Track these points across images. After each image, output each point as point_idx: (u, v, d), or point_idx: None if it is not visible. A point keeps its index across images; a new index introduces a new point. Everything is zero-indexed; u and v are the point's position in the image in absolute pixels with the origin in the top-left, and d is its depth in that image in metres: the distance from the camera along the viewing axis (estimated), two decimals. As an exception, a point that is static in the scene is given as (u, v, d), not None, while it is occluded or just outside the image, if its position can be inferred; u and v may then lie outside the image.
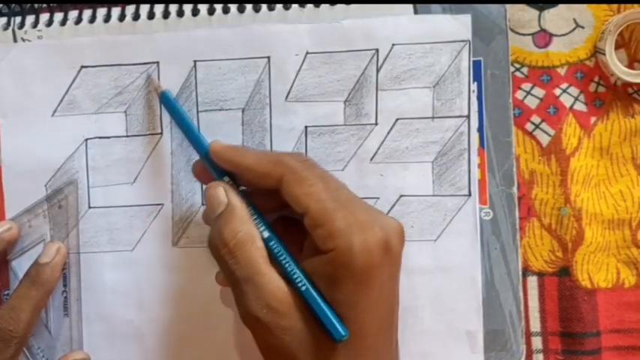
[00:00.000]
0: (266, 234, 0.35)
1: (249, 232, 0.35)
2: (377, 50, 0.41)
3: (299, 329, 0.33)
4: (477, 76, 0.41)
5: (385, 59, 0.41)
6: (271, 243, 0.35)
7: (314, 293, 0.33)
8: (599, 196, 0.42)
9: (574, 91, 0.42)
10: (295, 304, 0.33)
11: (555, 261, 0.42)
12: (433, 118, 0.41)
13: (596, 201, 0.42)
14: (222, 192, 0.36)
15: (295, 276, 0.34)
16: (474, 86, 0.41)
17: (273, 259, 0.35)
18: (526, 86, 0.42)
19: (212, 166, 0.38)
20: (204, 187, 0.39)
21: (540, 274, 0.42)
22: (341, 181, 0.36)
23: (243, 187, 0.37)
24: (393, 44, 0.41)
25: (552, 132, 0.42)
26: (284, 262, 0.34)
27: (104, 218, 0.42)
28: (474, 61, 0.41)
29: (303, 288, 0.33)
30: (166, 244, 0.42)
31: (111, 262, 0.42)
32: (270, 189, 0.35)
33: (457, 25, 0.41)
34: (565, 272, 0.42)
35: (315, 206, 0.33)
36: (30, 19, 0.42)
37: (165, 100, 0.41)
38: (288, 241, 0.35)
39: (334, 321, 0.32)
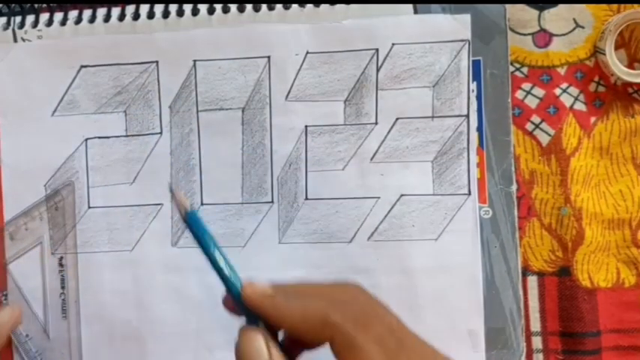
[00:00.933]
0: None
1: None
2: (377, 50, 0.41)
3: None
4: (476, 75, 0.41)
5: (385, 59, 0.41)
6: None
7: None
8: (599, 195, 0.42)
9: (574, 91, 0.42)
10: None
11: (555, 261, 0.42)
12: (433, 117, 0.41)
13: (596, 201, 0.42)
14: (263, 345, 0.30)
15: None
16: (473, 86, 0.41)
17: None
18: (526, 86, 0.42)
19: (245, 311, 0.32)
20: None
21: (540, 274, 0.42)
22: (404, 327, 0.31)
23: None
24: (393, 44, 0.41)
25: (552, 132, 0.42)
26: None
27: (104, 218, 0.42)
28: (474, 61, 0.41)
29: None
30: (166, 244, 0.42)
31: (110, 262, 0.42)
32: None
33: (457, 24, 0.41)
34: (565, 272, 0.42)
35: None
36: (30, 18, 0.42)
37: (191, 221, 0.33)
38: None
39: None
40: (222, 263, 0.32)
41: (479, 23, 0.41)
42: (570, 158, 0.42)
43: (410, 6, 0.41)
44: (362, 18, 0.41)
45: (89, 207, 0.42)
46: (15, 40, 0.42)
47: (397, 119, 0.41)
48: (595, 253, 0.42)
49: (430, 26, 0.41)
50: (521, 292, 0.41)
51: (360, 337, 0.29)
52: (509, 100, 0.41)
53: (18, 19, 0.42)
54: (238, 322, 0.41)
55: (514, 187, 0.41)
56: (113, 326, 0.42)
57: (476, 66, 0.41)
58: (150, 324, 0.42)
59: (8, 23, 0.42)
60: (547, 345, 0.42)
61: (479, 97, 0.41)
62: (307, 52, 0.41)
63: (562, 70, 0.42)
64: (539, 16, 0.42)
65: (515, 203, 0.41)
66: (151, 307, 0.42)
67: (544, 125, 0.42)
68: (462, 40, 0.41)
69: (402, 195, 0.41)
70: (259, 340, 0.31)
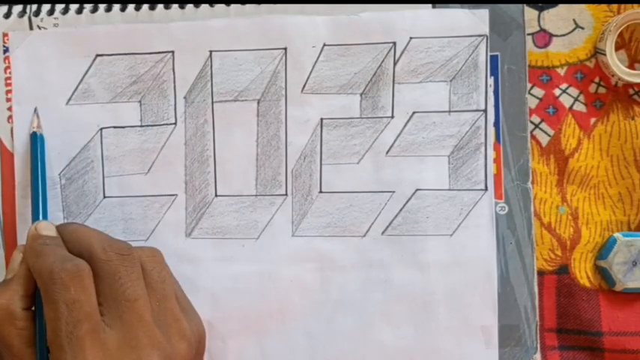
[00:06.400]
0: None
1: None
2: (394, 43, 0.41)
3: None
4: (493, 70, 0.41)
5: (402, 52, 0.41)
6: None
7: None
8: (597, 196, 0.42)
9: (574, 91, 0.42)
10: None
11: (555, 259, 0.42)
12: (450, 111, 0.41)
13: (593, 201, 0.42)
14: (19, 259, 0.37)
15: None
16: (490, 81, 0.41)
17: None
18: (525, 86, 0.42)
19: None
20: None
21: (540, 273, 0.42)
22: None
23: None
24: (411, 37, 0.41)
25: (552, 132, 0.42)
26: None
27: (119, 208, 0.42)
28: (491, 56, 0.41)
29: None
30: (180, 235, 0.42)
31: (124, 252, 0.42)
32: None
33: (475, 19, 0.41)
34: (564, 270, 0.42)
35: None
36: (46, 6, 0.42)
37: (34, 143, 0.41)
38: None
39: None
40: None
41: (497, 19, 0.41)
42: (569, 159, 0.42)
43: (429, 5, 0.41)
44: (380, 11, 0.41)
45: (104, 197, 0.42)
46: (31, 28, 0.42)
47: (414, 113, 0.41)
48: (593, 252, 0.42)
49: (448, 20, 0.41)
50: (536, 289, 0.41)
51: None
52: (527, 95, 0.41)
53: (34, 6, 0.42)
54: (251, 311, 0.41)
55: (530, 183, 0.41)
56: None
57: (493, 61, 0.41)
58: (162, 314, 0.42)
59: (24, 11, 0.42)
60: (544, 341, 0.42)
61: (496, 93, 0.41)
62: (324, 45, 0.41)
63: (562, 71, 0.42)
64: (539, 16, 0.42)
65: (532, 200, 0.41)
66: (163, 297, 0.42)
67: (544, 125, 0.42)
68: (480, 35, 0.41)
69: (417, 189, 0.41)
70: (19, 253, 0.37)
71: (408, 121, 0.41)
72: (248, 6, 0.41)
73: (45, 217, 0.40)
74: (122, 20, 0.42)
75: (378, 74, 0.41)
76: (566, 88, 0.42)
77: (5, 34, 0.42)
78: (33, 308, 0.36)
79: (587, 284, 0.42)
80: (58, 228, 0.38)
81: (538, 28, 0.42)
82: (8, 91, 0.42)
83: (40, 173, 0.40)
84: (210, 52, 0.41)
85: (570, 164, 0.42)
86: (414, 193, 0.41)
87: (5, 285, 0.36)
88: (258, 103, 0.42)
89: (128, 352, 0.34)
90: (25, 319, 0.36)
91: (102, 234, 0.37)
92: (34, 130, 0.41)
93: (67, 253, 0.36)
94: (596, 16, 0.42)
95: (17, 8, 0.42)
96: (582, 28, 0.42)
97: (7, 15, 0.42)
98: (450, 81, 0.41)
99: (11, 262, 0.38)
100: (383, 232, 0.41)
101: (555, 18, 0.42)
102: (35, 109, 0.41)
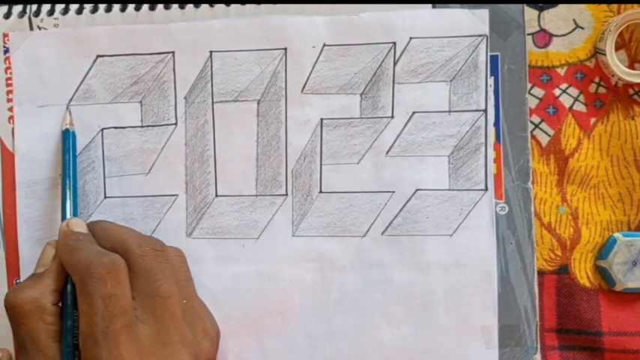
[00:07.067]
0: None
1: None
2: (394, 43, 0.41)
3: None
4: (493, 70, 0.41)
5: (402, 52, 0.41)
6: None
7: None
8: (597, 196, 0.42)
9: (574, 91, 0.42)
10: None
11: (555, 259, 0.42)
12: (450, 111, 0.41)
13: (593, 201, 0.42)
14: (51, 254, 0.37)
15: None
16: (490, 81, 0.41)
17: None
18: (525, 86, 0.42)
19: None
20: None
21: (540, 273, 0.42)
22: None
23: None
24: (411, 37, 0.41)
25: (552, 132, 0.42)
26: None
27: (120, 208, 0.42)
28: (491, 56, 0.41)
29: None
30: (180, 235, 0.42)
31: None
32: None
33: (475, 19, 0.41)
34: (564, 270, 0.42)
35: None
36: (46, 7, 0.42)
37: (66, 139, 0.41)
38: None
39: None
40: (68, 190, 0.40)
41: (497, 19, 0.41)
42: (569, 159, 0.42)
43: (429, 5, 0.41)
44: (380, 11, 0.41)
45: (105, 197, 0.42)
46: (31, 28, 0.42)
47: (414, 113, 0.41)
48: (593, 252, 0.42)
49: (448, 20, 0.41)
50: (536, 290, 0.41)
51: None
52: (527, 95, 0.41)
53: (34, 7, 0.42)
54: (251, 311, 0.41)
55: (531, 183, 0.41)
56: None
57: (493, 61, 0.41)
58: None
59: (24, 11, 0.42)
60: (544, 341, 0.42)
61: (496, 93, 0.41)
62: (324, 45, 0.41)
63: (562, 71, 0.42)
64: (539, 16, 0.42)
65: (532, 200, 0.41)
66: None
67: (544, 125, 0.42)
68: (480, 35, 0.41)
69: (417, 190, 0.41)
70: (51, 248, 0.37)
71: (408, 121, 0.41)
72: (248, 6, 0.41)
73: (75, 214, 0.40)
74: (122, 21, 0.42)
75: (378, 74, 0.41)
76: (566, 88, 0.42)
77: (6, 35, 0.42)
78: (60, 304, 0.36)
79: (587, 284, 0.42)
80: (89, 225, 0.38)
81: (538, 28, 0.42)
82: (9, 92, 0.42)
83: (71, 170, 0.40)
84: (211, 52, 0.41)
85: (570, 164, 0.42)
86: (414, 193, 0.41)
87: (37, 279, 0.36)
88: (259, 103, 0.42)
89: (160, 348, 0.34)
90: (54, 315, 0.36)
91: (134, 230, 0.38)
92: (67, 127, 0.41)
93: (101, 248, 0.36)
94: (596, 16, 0.42)
95: (17, 8, 0.42)
96: (582, 28, 0.42)
97: (7, 15, 0.42)
98: (450, 81, 0.41)
99: (42, 257, 0.38)
100: (383, 232, 0.41)
101: (555, 18, 0.42)
102: (67, 106, 0.41)
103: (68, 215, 0.39)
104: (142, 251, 0.35)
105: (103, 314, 0.33)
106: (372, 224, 0.41)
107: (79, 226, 0.38)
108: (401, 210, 0.41)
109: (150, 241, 0.37)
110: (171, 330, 0.35)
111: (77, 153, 0.41)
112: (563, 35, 0.42)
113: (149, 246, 0.36)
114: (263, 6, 0.41)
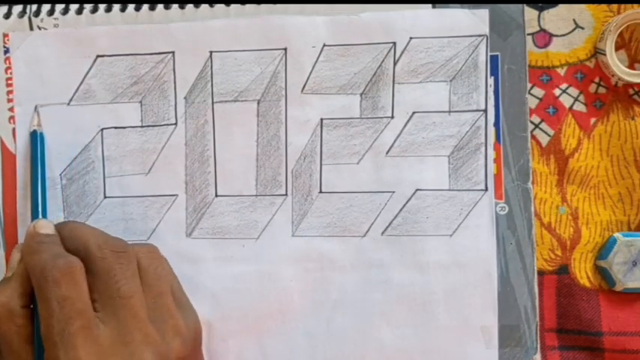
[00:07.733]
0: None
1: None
2: (394, 43, 0.41)
3: None
4: (493, 70, 0.41)
5: (402, 52, 0.41)
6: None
7: None
8: (597, 196, 0.42)
9: (574, 91, 0.42)
10: None
11: (555, 259, 0.42)
12: (450, 112, 0.41)
13: (593, 201, 0.42)
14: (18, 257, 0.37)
15: None
16: (490, 81, 0.41)
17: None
18: (525, 86, 0.42)
19: None
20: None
21: (540, 273, 0.42)
22: None
23: None
24: (411, 37, 0.41)
25: (552, 132, 0.42)
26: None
27: (120, 208, 0.42)
28: (491, 56, 0.41)
29: None
30: (180, 235, 0.42)
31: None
32: None
33: (475, 19, 0.41)
34: (564, 270, 0.42)
35: None
36: (46, 7, 0.42)
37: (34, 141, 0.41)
38: None
39: None
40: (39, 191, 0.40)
41: (497, 19, 0.41)
42: (569, 159, 0.42)
43: (429, 5, 0.41)
44: (380, 11, 0.41)
45: (105, 197, 0.42)
46: (31, 28, 0.42)
47: (414, 113, 0.41)
48: (593, 252, 0.42)
49: (448, 20, 0.41)
50: (536, 290, 0.41)
51: None
52: (527, 95, 0.41)
53: (34, 7, 0.42)
54: (251, 311, 0.41)
55: (531, 183, 0.41)
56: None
57: (493, 61, 0.41)
58: (163, 314, 0.42)
59: (24, 11, 0.42)
60: (544, 342, 0.42)
61: (496, 93, 0.41)
62: (324, 45, 0.41)
63: (562, 71, 0.42)
64: (539, 16, 0.42)
65: (532, 200, 0.41)
66: (164, 297, 0.42)
67: (544, 125, 0.42)
68: (480, 35, 0.41)
69: (417, 190, 0.41)
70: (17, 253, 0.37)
71: (408, 121, 0.41)
72: (248, 6, 0.41)
73: (44, 215, 0.40)
74: (122, 21, 0.42)
75: (378, 74, 0.41)
76: (566, 88, 0.42)
77: (6, 35, 0.42)
78: (31, 306, 0.36)
79: (587, 284, 0.42)
80: (57, 226, 0.38)
81: (538, 28, 0.42)
82: (9, 92, 0.42)
83: (39, 171, 0.40)
84: (211, 52, 0.42)
85: (570, 164, 0.42)
86: (414, 194, 0.41)
87: (5, 283, 0.36)
88: (258, 103, 0.42)
89: (121, 348, 0.34)
90: (24, 317, 0.36)
91: (98, 231, 0.37)
92: (34, 128, 0.41)
93: (61, 250, 0.36)
94: (596, 16, 0.42)
95: (17, 8, 0.42)
96: (582, 28, 0.42)
97: (7, 15, 0.42)
98: (450, 81, 0.41)
99: (10, 260, 0.38)
100: (383, 233, 0.41)
101: (555, 18, 0.42)
102: (36, 107, 0.42)
103: (39, 216, 0.39)
104: (101, 253, 0.35)
105: (59, 317, 0.33)
106: (372, 224, 0.41)
107: (45, 227, 0.37)
108: (401, 210, 0.41)
109: (111, 242, 0.36)
110: (133, 330, 0.34)
111: (45, 154, 0.41)
112: (563, 35, 0.42)
113: (110, 247, 0.36)
114: (263, 6, 0.41)
